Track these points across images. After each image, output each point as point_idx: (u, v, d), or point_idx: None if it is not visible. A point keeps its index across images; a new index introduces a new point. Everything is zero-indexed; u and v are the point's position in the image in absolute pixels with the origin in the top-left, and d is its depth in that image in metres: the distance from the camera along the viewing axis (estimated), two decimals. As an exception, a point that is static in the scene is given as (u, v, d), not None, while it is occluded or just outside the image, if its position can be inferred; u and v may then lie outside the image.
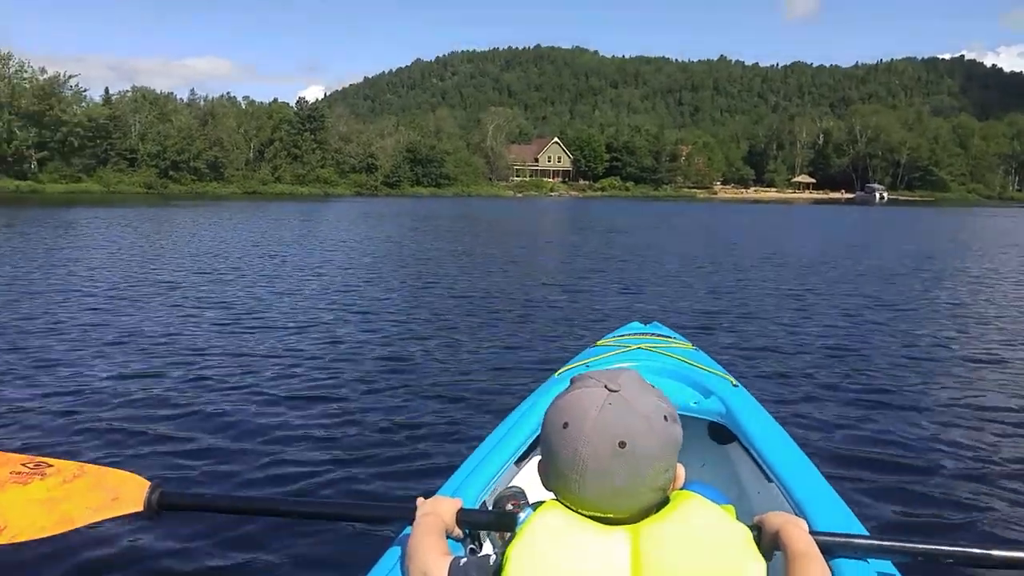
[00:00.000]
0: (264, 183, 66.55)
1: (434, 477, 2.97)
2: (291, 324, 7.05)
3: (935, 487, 3.27)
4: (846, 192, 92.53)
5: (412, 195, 69.80)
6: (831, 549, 1.18)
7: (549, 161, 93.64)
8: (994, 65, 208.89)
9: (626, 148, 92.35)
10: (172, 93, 72.68)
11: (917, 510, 3.06)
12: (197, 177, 63.32)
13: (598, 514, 0.91)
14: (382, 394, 4.71)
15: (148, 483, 1.41)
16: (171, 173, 62.24)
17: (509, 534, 0.95)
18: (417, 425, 4.06)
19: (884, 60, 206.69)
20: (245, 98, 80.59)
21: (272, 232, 19.86)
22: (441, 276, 11.05)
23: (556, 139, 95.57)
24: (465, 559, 0.99)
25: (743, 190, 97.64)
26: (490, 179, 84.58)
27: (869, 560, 1.21)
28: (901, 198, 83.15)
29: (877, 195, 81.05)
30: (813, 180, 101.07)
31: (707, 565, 0.87)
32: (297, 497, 3.07)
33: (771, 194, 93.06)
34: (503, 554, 0.90)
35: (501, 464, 1.83)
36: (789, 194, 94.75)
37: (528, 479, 1.82)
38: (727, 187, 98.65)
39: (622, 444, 0.87)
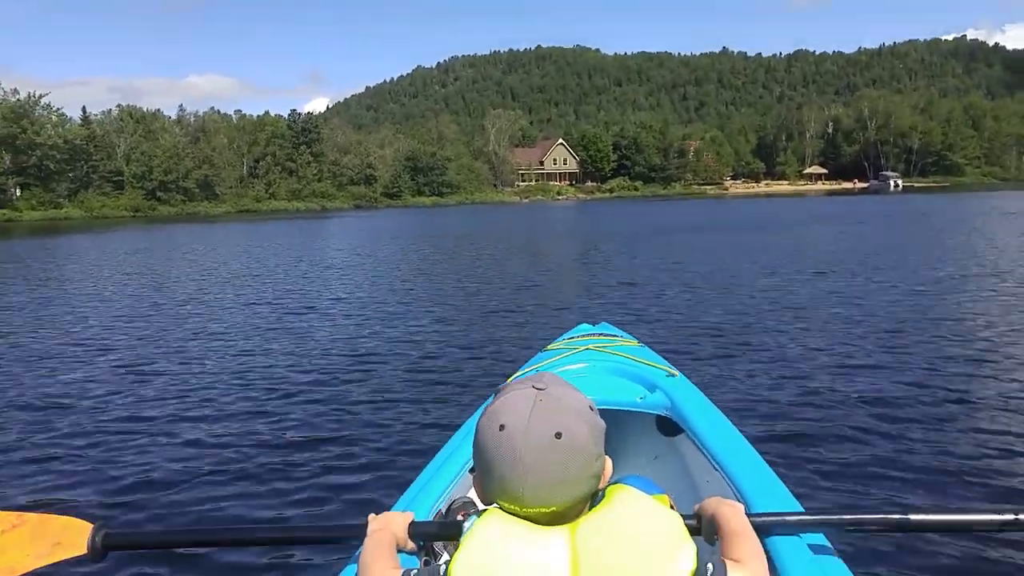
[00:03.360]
0: (258, 200, 64.45)
1: (391, 492, 2.92)
2: (240, 345, 7.05)
3: (866, 462, 3.48)
4: (859, 181, 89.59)
5: (414, 205, 67.48)
6: (766, 528, 1.25)
7: (555, 164, 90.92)
8: (997, 44, 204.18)
9: (633, 146, 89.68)
10: (159, 110, 70.73)
11: (847, 484, 3.25)
12: (187, 197, 61.11)
13: (541, 509, 0.93)
14: (333, 411, 4.68)
15: (91, 525, 1.38)
16: (159, 194, 59.99)
17: (458, 544, 0.97)
18: (372, 441, 4.06)
19: (887, 44, 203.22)
20: (236, 112, 78.57)
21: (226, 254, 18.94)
22: (410, 291, 10.98)
23: (561, 140, 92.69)
24: (416, 571, 1.01)
25: (754, 184, 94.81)
26: (495, 185, 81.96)
27: (802, 535, 1.31)
28: (916, 185, 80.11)
29: (891, 183, 78.53)
30: (825, 170, 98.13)
31: (639, 554, 0.91)
32: (247, 524, 3.05)
33: (783, 187, 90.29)
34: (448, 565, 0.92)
35: (454, 475, 1.84)
36: (801, 186, 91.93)
37: None
38: (738, 182, 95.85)
39: (558, 435, 0.92)
